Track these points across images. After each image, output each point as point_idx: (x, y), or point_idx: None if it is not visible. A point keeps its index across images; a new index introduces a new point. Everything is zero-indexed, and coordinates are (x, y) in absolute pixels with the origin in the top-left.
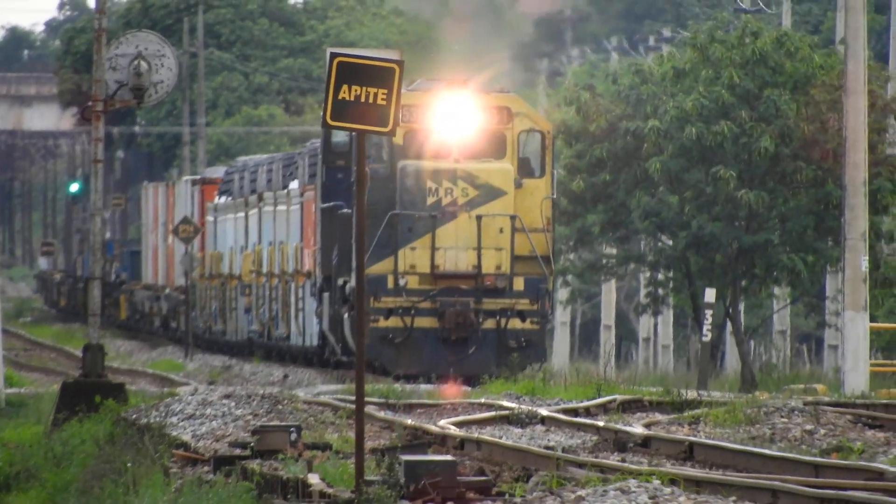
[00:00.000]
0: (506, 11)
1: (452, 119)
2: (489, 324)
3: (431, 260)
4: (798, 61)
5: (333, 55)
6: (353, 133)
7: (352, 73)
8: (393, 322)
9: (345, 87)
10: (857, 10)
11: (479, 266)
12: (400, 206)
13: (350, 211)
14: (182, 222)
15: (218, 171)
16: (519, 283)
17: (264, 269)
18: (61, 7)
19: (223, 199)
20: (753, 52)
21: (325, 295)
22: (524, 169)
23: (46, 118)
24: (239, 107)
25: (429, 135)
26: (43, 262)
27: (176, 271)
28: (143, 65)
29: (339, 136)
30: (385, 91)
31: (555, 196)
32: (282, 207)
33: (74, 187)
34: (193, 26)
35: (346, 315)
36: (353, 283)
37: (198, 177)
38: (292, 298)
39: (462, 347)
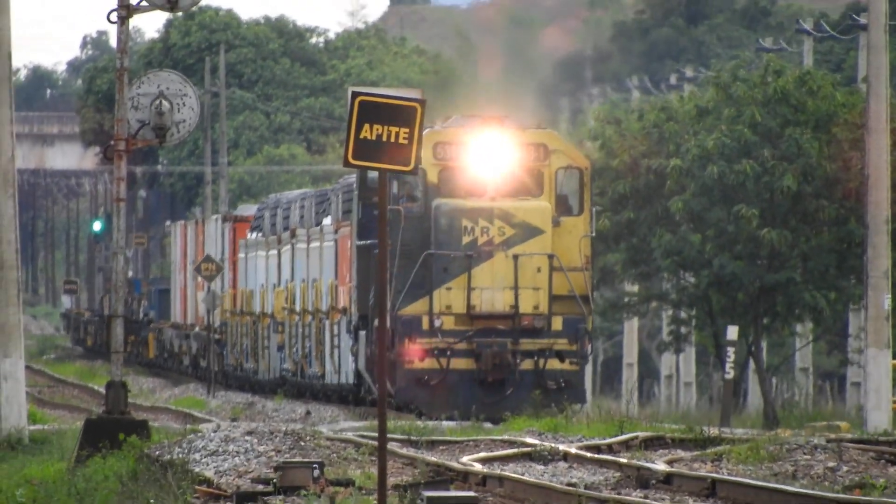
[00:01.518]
0: (528, 50)
1: (488, 156)
2: (527, 365)
3: (467, 300)
4: (820, 100)
5: (355, 94)
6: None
7: (373, 112)
8: (428, 363)
9: (366, 126)
10: (880, 48)
11: (516, 306)
12: (435, 245)
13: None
14: (204, 261)
15: (250, 209)
16: (557, 323)
17: (297, 307)
18: (83, 47)
19: (255, 235)
20: (775, 91)
21: (362, 334)
22: (562, 206)
23: (69, 157)
24: (261, 146)
25: (464, 172)
26: (66, 301)
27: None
28: (165, 104)
29: (376, 173)
30: (407, 130)
31: (593, 234)
32: (315, 244)
33: (97, 226)
34: (215, 66)
35: None
36: (387, 323)
37: (229, 214)
38: (327, 336)
39: (499, 389)
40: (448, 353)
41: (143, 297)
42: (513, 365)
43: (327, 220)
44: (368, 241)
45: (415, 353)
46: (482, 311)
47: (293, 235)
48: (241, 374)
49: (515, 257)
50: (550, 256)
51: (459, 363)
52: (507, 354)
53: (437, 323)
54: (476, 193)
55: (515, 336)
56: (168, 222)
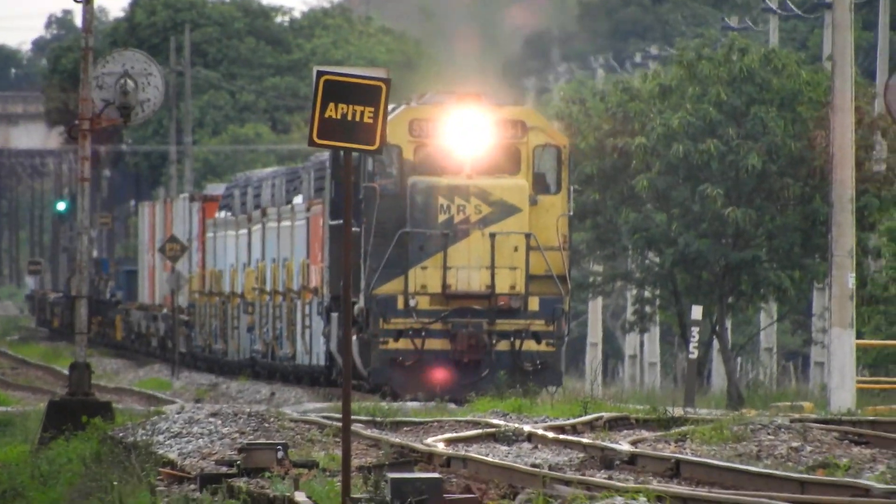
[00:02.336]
0: (495, 28)
1: (465, 133)
2: (503, 346)
3: (443, 280)
4: (785, 78)
5: (320, 73)
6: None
7: (338, 91)
8: (403, 344)
9: (331, 105)
10: (845, 27)
11: (492, 286)
12: (410, 223)
13: (359, 229)
14: (169, 241)
15: (218, 188)
16: (534, 304)
17: (268, 287)
18: (48, 26)
19: (224, 214)
20: (740, 70)
21: (334, 315)
22: (539, 185)
23: (33, 137)
24: (225, 125)
25: (441, 149)
26: (30, 281)
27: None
28: (130, 83)
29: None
30: (372, 109)
31: (571, 213)
32: (286, 223)
33: (61, 206)
34: (180, 45)
35: (354, 338)
36: (361, 304)
37: (198, 193)
38: (298, 316)
39: (475, 370)
40: (423, 333)
41: (110, 277)
42: (488, 346)
43: (298, 199)
44: (341, 221)
45: (389, 334)
46: (458, 290)
47: (264, 214)
48: (209, 355)
49: (492, 236)
50: (528, 235)
51: (434, 344)
52: (482, 335)
53: (412, 303)
54: (452, 171)
55: (491, 316)
56: (133, 202)
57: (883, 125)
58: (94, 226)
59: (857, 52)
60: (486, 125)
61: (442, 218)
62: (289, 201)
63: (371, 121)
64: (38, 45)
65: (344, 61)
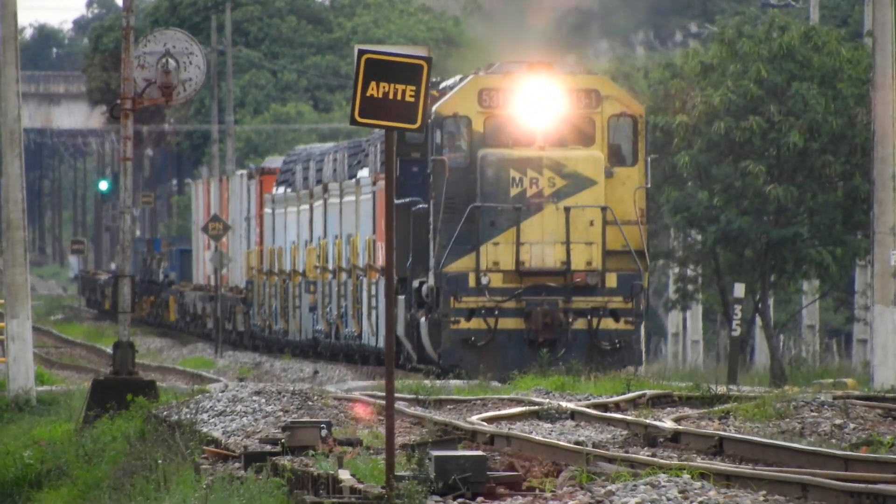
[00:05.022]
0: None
1: (537, 103)
2: (580, 324)
3: (516, 256)
4: (825, 55)
5: (361, 52)
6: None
7: (380, 70)
8: (475, 323)
9: (373, 84)
10: (885, 3)
11: (567, 262)
12: (481, 198)
13: (426, 206)
14: (211, 220)
15: (276, 162)
16: (612, 280)
17: (330, 265)
18: (89, 5)
19: (282, 190)
20: (781, 47)
21: (400, 298)
22: (615, 156)
23: (75, 116)
24: (267, 104)
25: (511, 120)
26: (73, 261)
27: (231, 271)
28: (172, 63)
29: None
30: (413, 88)
31: (649, 185)
32: (349, 198)
33: (104, 185)
34: (221, 24)
35: (422, 319)
36: (430, 282)
37: (255, 168)
38: (364, 295)
39: (550, 350)
40: (496, 312)
41: (163, 257)
42: (564, 324)
43: (363, 173)
44: (407, 200)
45: (460, 313)
46: (532, 267)
47: (325, 190)
48: (269, 335)
49: (567, 210)
50: (604, 209)
51: (508, 323)
52: (558, 313)
53: (483, 280)
54: (524, 143)
55: (567, 294)
56: (174, 181)
57: None
58: (137, 205)
59: None
60: (559, 95)
61: (514, 192)
62: (352, 175)
63: (413, 99)
64: (80, 24)
65: (385, 40)
